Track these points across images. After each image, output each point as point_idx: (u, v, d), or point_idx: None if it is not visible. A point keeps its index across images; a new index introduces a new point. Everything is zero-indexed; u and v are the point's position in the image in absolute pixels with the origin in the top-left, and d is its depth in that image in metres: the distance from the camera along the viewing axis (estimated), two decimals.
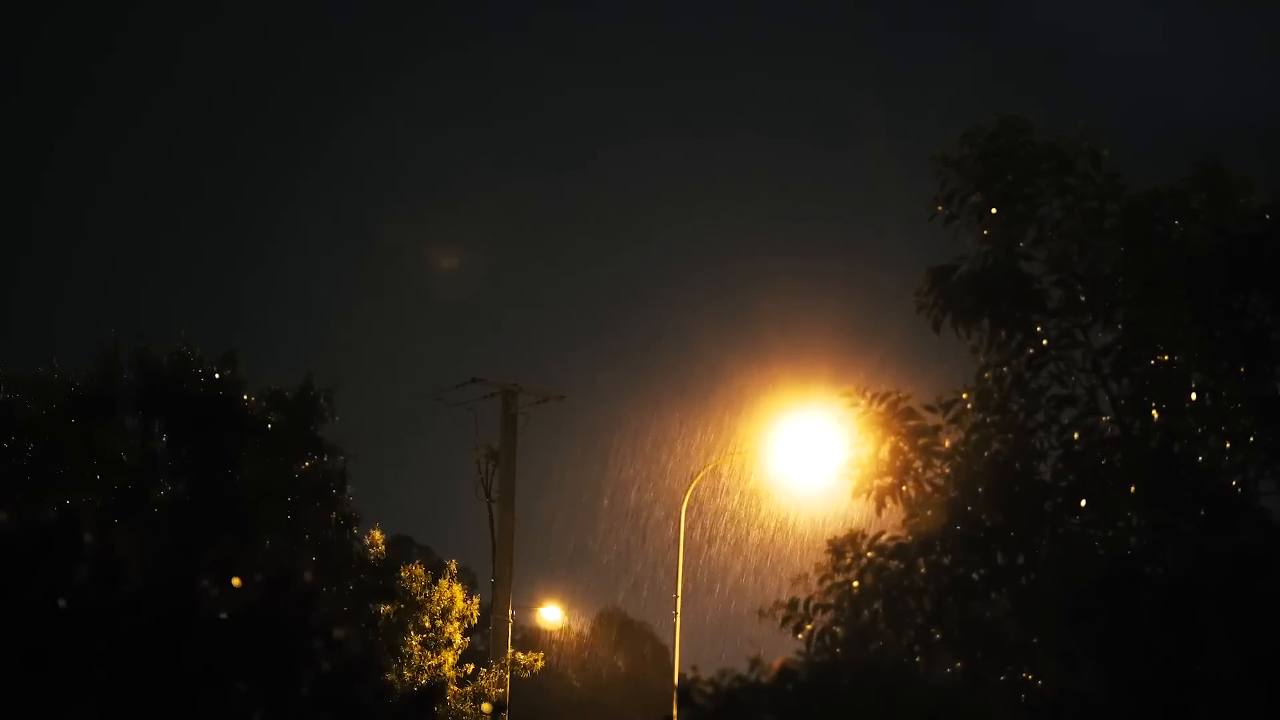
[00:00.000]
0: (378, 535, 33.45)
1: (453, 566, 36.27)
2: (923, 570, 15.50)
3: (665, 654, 61.62)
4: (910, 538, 15.71)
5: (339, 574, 30.61)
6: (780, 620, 15.71)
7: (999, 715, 15.30)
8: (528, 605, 53.84)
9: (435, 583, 35.46)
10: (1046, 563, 15.38)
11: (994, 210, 16.40)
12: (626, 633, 72.79)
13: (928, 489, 15.89)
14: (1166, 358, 16.16)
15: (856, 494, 16.15)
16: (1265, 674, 13.96)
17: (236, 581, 8.72)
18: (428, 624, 35.11)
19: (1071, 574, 14.96)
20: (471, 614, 36.34)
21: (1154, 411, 16.00)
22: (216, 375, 30.65)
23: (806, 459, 38.31)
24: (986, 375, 16.18)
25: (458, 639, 35.61)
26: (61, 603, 8.18)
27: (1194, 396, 16.00)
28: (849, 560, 15.63)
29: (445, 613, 35.45)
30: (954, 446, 16.02)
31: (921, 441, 15.97)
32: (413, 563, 36.03)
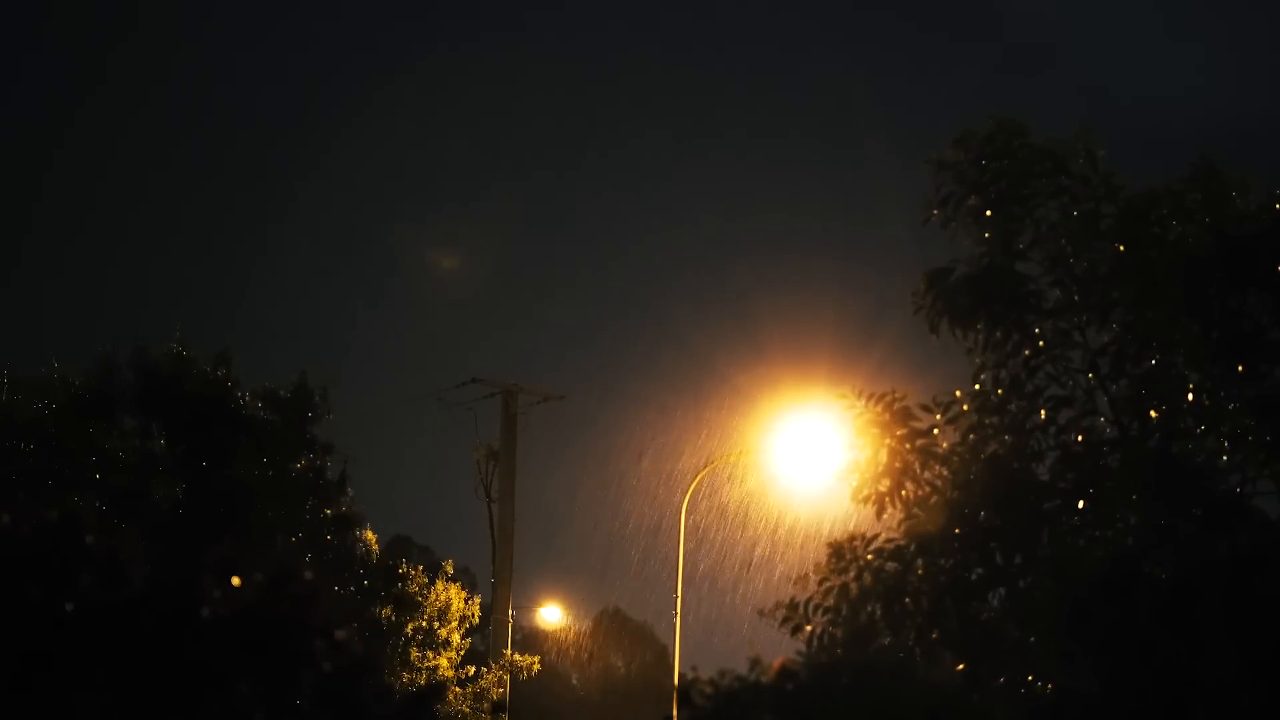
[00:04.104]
0: (370, 535, 33.37)
1: (448, 567, 36.17)
2: (920, 571, 15.53)
3: (665, 654, 61.66)
4: (908, 539, 15.74)
5: (339, 574, 30.59)
6: (779, 621, 15.74)
7: (999, 715, 15.31)
8: (528, 605, 53.84)
9: (432, 583, 35.40)
10: (1045, 563, 15.40)
11: (990, 213, 16.44)
12: (626, 633, 72.82)
13: (926, 490, 15.92)
14: (1164, 358, 16.18)
15: (856, 498, 16.18)
16: (1264, 674, 13.98)
17: (237, 581, 8.73)
18: (424, 625, 35.07)
19: (1070, 574, 14.98)
20: (473, 615, 36.28)
21: (1152, 412, 16.02)
22: (211, 375, 30.65)
23: (806, 459, 38.30)
24: (983, 377, 16.22)
25: (456, 639, 35.56)
26: (66, 605, 8.21)
27: (1192, 397, 16.03)
28: (848, 561, 15.65)
29: (442, 614, 35.40)
30: (952, 448, 16.05)
31: (920, 443, 16.00)
32: (412, 564, 35.95)
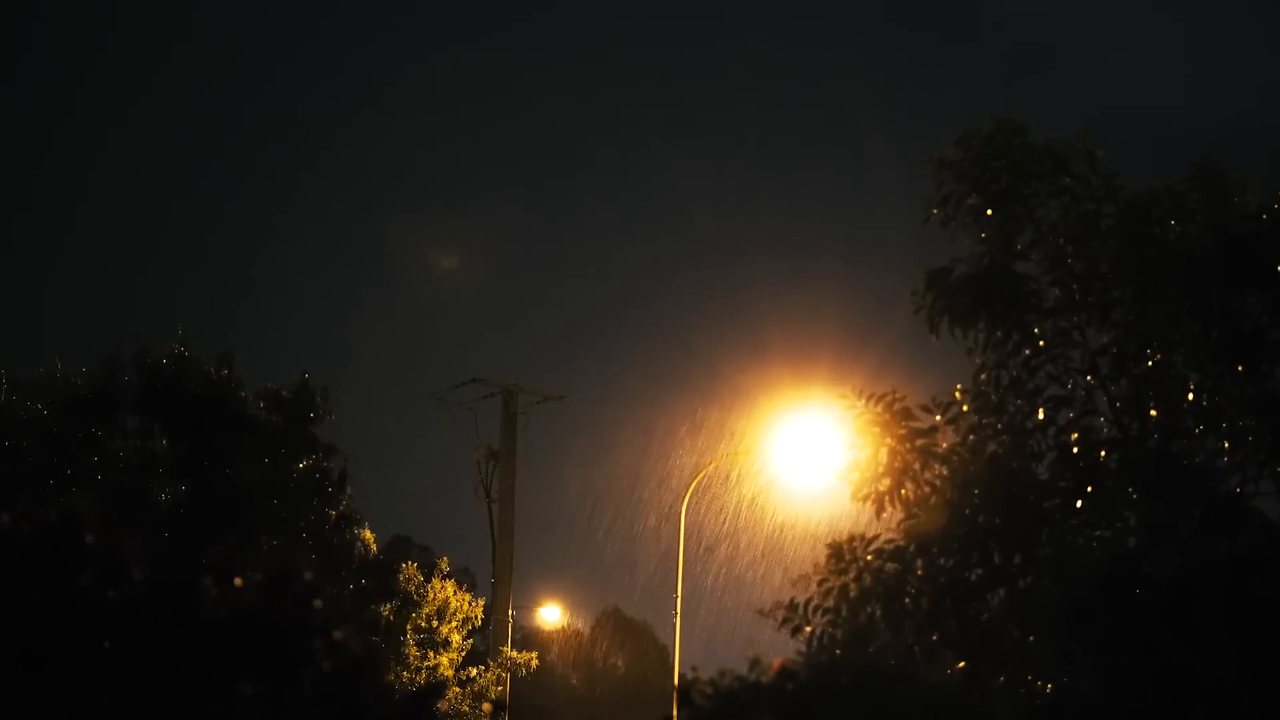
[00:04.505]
0: (368, 535, 33.41)
1: (443, 565, 36.15)
2: (920, 572, 15.53)
3: (665, 654, 61.63)
4: (908, 539, 15.74)
5: (338, 574, 30.61)
6: (779, 622, 15.74)
7: (999, 715, 15.31)
8: (528, 605, 53.92)
9: (428, 581, 35.40)
10: (1045, 563, 15.40)
11: (990, 212, 16.45)
12: (626, 633, 72.82)
13: (926, 490, 15.92)
14: (1164, 358, 16.18)
15: (855, 498, 16.19)
16: (1264, 674, 13.98)
17: (238, 581, 8.74)
18: (423, 623, 35.08)
19: (1070, 574, 14.98)
20: (476, 616, 36.29)
21: (1152, 412, 16.03)
22: (213, 375, 30.68)
23: (806, 459, 38.32)
24: (983, 377, 16.22)
25: (456, 639, 35.56)
26: (66, 604, 8.20)
27: (1192, 397, 16.03)
28: (847, 562, 15.65)
29: (440, 613, 35.40)
30: (951, 448, 16.05)
31: (919, 443, 16.00)
32: (409, 562, 35.95)
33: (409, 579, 34.86)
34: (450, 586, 35.72)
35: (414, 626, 34.79)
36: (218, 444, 30.18)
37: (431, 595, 35.21)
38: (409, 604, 34.61)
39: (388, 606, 33.67)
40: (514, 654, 37.79)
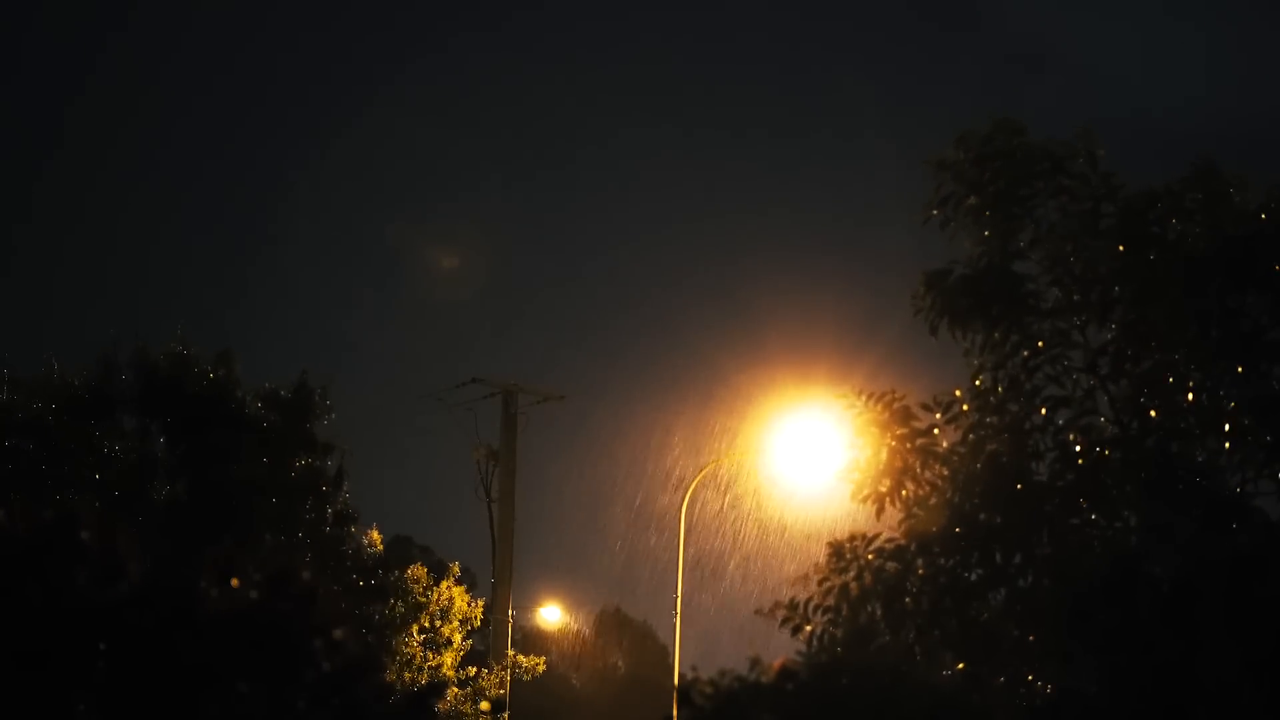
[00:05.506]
0: (375, 535, 33.40)
1: (455, 569, 36.21)
2: (920, 571, 15.53)
3: (665, 654, 61.62)
4: (908, 539, 15.74)
5: (335, 572, 30.58)
6: (780, 621, 15.74)
7: (999, 715, 15.31)
8: (528, 605, 53.88)
9: (436, 584, 35.40)
10: (1045, 563, 15.40)
11: (989, 213, 16.44)
12: (626, 633, 72.82)
13: (926, 489, 15.92)
14: (1164, 358, 16.17)
15: (855, 498, 16.19)
16: (1264, 674, 13.97)
17: (235, 582, 8.73)
18: (427, 624, 35.07)
19: (1070, 574, 14.98)
20: (475, 617, 36.27)
21: (1151, 411, 16.02)
22: (212, 375, 30.67)
23: (806, 459, 38.32)
24: (982, 378, 16.21)
25: (457, 639, 35.56)
26: (64, 603, 8.20)
27: (1191, 396, 16.02)
28: (848, 561, 15.65)
29: (444, 613, 35.40)
30: (951, 447, 16.05)
31: (919, 442, 16.00)
32: (414, 563, 35.93)
33: (415, 580, 34.83)
34: (458, 590, 35.72)
35: (420, 627, 34.77)
36: (215, 444, 30.15)
37: (436, 596, 35.20)
38: (412, 604, 34.58)
39: (393, 601, 33.63)
40: (521, 657, 37.74)
